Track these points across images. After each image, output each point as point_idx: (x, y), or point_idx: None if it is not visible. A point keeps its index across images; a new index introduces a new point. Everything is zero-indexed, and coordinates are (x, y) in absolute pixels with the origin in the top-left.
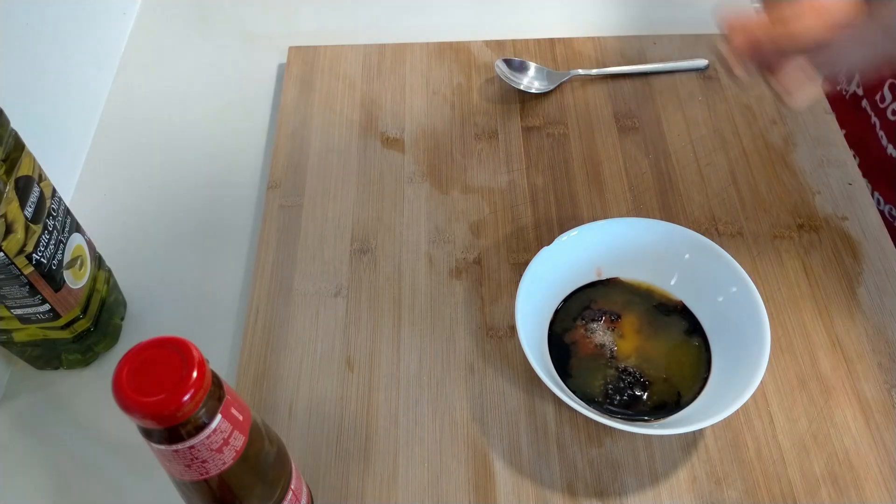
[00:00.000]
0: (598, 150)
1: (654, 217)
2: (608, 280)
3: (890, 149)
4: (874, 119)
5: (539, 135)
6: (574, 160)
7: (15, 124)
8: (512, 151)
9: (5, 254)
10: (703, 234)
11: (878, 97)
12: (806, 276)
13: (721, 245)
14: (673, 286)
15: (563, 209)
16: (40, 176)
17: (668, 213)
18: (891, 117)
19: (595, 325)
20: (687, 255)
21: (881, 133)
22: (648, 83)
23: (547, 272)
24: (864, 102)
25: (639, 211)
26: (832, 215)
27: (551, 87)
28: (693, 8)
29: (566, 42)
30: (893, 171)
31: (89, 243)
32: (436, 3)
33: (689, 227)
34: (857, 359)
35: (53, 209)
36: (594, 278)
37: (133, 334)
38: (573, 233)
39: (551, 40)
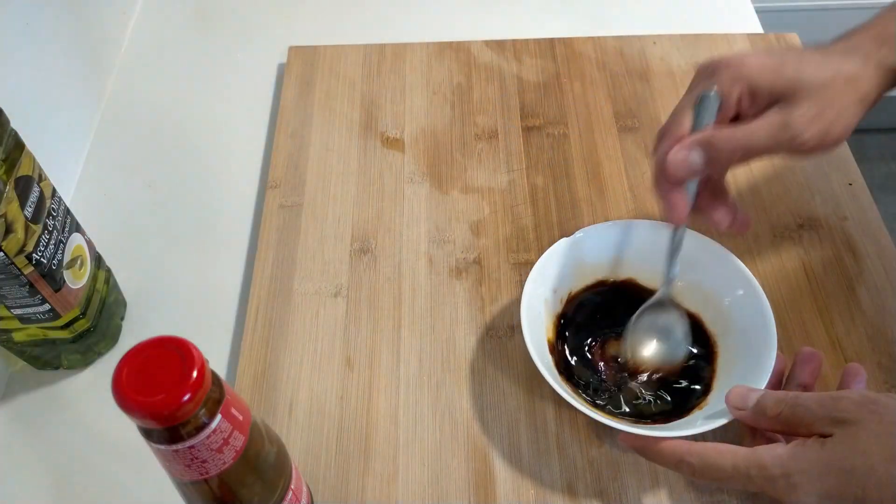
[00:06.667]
0: (598, 150)
1: (653, 218)
2: (614, 281)
3: None
4: None
5: (539, 135)
6: (574, 160)
7: (15, 124)
8: (512, 151)
9: (5, 254)
10: (703, 234)
11: None
12: (806, 276)
13: (721, 245)
14: (678, 288)
15: (563, 209)
16: (40, 176)
17: None
18: None
19: (597, 326)
20: (693, 258)
21: None
22: (648, 83)
23: (549, 272)
24: None
25: (639, 212)
26: (832, 215)
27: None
28: (693, 7)
29: (566, 42)
30: None
31: (89, 243)
32: (436, 3)
33: (689, 228)
34: (857, 359)
35: (53, 209)
36: (599, 279)
37: (133, 334)
38: (578, 234)
39: (551, 40)
